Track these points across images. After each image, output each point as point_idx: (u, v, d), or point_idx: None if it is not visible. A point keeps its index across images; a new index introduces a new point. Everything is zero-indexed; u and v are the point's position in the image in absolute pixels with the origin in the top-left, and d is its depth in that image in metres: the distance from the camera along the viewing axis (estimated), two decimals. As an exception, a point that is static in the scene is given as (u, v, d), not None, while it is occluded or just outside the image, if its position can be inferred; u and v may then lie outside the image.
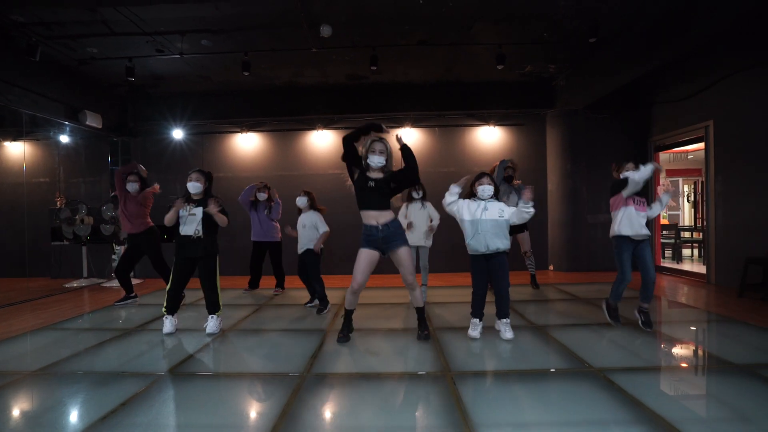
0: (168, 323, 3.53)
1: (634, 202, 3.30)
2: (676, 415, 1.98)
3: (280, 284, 5.37)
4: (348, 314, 3.28)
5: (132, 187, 4.55)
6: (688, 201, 9.90)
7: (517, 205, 5.00)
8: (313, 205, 4.32)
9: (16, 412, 2.22)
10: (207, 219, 3.44)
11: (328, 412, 2.14)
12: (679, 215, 10.34)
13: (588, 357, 2.78)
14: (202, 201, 3.47)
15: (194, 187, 3.46)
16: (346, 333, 3.25)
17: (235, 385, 2.49)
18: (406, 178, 3.09)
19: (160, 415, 2.12)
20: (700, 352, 3.00)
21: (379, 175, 3.09)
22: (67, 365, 2.83)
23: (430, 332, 3.30)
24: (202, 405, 2.23)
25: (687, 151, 8.99)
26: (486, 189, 3.18)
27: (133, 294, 4.83)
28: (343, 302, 3.43)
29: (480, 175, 3.27)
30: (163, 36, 4.98)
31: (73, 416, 2.13)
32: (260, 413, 2.13)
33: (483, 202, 3.19)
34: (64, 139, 7.22)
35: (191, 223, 3.41)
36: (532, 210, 3.07)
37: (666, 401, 2.17)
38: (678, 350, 3.02)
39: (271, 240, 5.21)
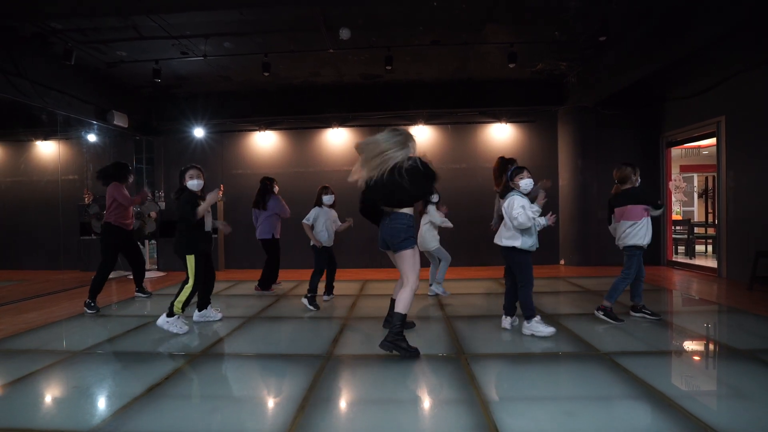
0: (182, 323, 3.40)
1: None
2: (677, 392, 2.13)
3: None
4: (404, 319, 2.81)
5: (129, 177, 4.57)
6: (699, 196, 9.85)
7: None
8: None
9: (75, 384, 2.47)
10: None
11: (352, 387, 2.34)
12: (693, 211, 10.30)
13: (595, 342, 2.93)
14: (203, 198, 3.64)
15: (199, 185, 3.50)
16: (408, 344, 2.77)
17: (265, 364, 2.71)
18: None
19: (200, 389, 2.35)
20: (703, 339, 3.12)
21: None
22: (109, 346, 3.09)
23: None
24: (236, 380, 2.45)
25: (701, 147, 8.96)
26: (529, 183, 3.12)
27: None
28: (359, 293, 3.52)
29: (519, 169, 3.17)
30: (188, 39, 5.23)
31: (123, 388, 2.36)
32: (290, 388, 2.34)
33: (527, 199, 3.11)
34: (93, 138, 7.56)
35: (208, 220, 3.55)
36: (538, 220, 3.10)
37: (668, 380, 2.31)
38: (683, 336, 3.14)
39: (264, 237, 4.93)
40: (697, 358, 2.76)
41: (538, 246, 3.13)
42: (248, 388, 2.36)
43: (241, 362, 2.75)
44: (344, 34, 4.77)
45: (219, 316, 3.77)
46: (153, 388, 2.30)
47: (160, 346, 3.05)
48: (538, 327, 3.09)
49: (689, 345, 2.99)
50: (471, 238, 6.91)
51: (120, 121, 6.62)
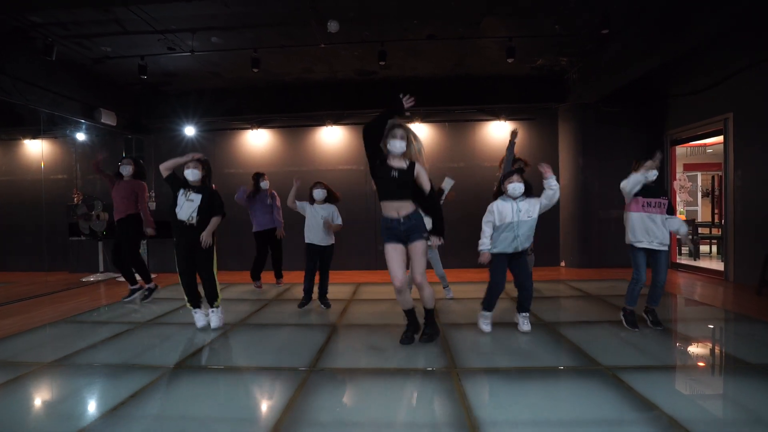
0: (198, 317, 3.51)
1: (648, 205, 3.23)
2: (688, 416, 1.94)
3: (280, 274, 5.44)
4: (410, 314, 3.06)
5: (126, 170, 4.53)
6: (704, 196, 9.63)
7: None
8: (331, 197, 4.19)
9: (32, 402, 2.29)
10: (203, 207, 3.38)
11: (332, 407, 2.15)
12: (697, 211, 10.07)
13: (597, 355, 2.73)
14: (201, 188, 3.44)
15: (193, 173, 3.39)
16: (410, 334, 3.06)
17: (241, 379, 2.53)
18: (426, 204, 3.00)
19: (169, 407, 2.17)
20: (714, 351, 2.93)
21: (401, 164, 2.88)
22: (82, 357, 2.91)
23: (438, 332, 3.12)
24: (208, 398, 2.27)
25: (706, 145, 8.73)
26: (517, 187, 3.08)
27: (137, 286, 4.68)
28: (351, 297, 3.42)
29: (509, 173, 3.18)
30: (174, 34, 5.03)
31: (86, 407, 2.19)
32: (265, 407, 2.16)
33: (514, 202, 3.11)
34: (81, 136, 7.37)
35: (187, 209, 3.34)
36: (555, 184, 3.01)
37: (677, 401, 2.12)
38: (691, 349, 2.95)
39: (272, 226, 5.12)
40: (706, 374, 2.56)
41: (502, 250, 3.18)
42: (218, 408, 2.17)
43: (215, 377, 2.57)
44: (332, 26, 4.56)
45: (202, 323, 3.55)
46: (116, 407, 2.12)
47: (134, 358, 2.87)
48: (480, 321, 3.33)
49: (697, 359, 2.80)
50: (469, 239, 6.69)
51: (108, 119, 6.44)
